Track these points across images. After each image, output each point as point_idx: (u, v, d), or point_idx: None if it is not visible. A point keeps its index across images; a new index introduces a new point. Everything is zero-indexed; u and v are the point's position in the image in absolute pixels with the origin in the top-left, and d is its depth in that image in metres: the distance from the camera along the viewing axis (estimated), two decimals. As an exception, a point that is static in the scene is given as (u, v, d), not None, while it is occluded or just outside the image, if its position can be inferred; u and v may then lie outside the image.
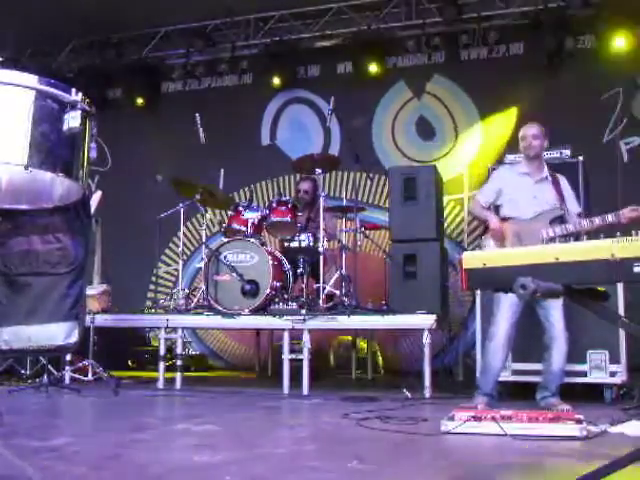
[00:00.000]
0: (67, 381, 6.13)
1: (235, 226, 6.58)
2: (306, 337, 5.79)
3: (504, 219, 4.85)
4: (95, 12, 8.49)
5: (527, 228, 4.73)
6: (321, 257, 6.18)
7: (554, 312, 4.63)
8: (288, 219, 6.44)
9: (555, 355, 4.64)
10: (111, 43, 9.69)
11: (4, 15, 7.90)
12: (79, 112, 2.10)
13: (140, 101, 9.98)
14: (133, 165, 9.57)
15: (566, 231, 4.64)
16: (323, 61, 9.47)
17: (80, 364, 6.10)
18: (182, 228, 6.95)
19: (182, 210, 6.84)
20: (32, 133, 2.04)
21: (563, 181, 4.91)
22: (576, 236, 4.59)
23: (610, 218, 4.48)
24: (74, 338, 2.37)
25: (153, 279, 8.75)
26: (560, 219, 4.74)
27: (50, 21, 8.54)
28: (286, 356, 5.79)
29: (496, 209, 4.97)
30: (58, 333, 2.36)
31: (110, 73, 9.93)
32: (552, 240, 4.64)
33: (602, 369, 5.02)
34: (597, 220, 4.56)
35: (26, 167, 2.04)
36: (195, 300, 6.58)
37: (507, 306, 4.64)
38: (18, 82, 2.09)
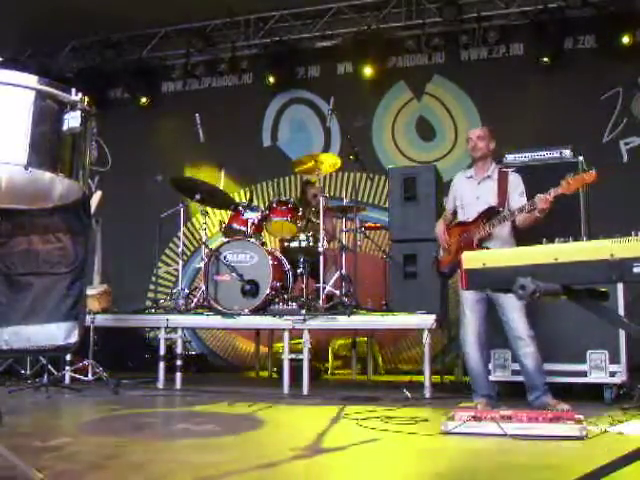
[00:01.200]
0: (67, 381, 6.13)
1: (235, 226, 6.59)
2: (306, 337, 5.79)
3: (458, 225, 4.92)
4: (95, 12, 8.49)
5: (469, 230, 4.79)
6: (321, 257, 6.18)
7: (511, 315, 4.61)
8: (288, 219, 6.45)
9: (522, 357, 4.61)
10: (111, 43, 9.70)
11: (4, 15, 7.91)
12: (79, 112, 2.11)
13: (141, 101, 9.99)
14: (133, 165, 9.56)
15: (492, 227, 4.68)
16: (323, 61, 9.47)
17: (80, 364, 6.10)
18: (182, 228, 6.96)
19: (182, 210, 6.84)
20: (32, 133, 2.04)
21: (512, 177, 4.89)
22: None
23: (527, 207, 4.51)
24: (74, 338, 2.38)
25: (153, 279, 8.75)
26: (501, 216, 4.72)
27: (50, 21, 8.55)
28: (286, 356, 5.79)
29: None
30: (58, 333, 2.36)
31: (110, 73, 9.94)
32: (484, 239, 4.68)
33: (602, 369, 5.02)
34: (516, 210, 4.60)
35: (26, 167, 2.04)
36: (195, 300, 6.58)
37: (470, 306, 4.71)
38: (18, 82, 2.09)
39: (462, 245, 4.75)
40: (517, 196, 4.78)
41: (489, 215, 4.74)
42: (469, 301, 4.70)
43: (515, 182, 4.85)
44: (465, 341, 4.76)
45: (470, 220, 4.83)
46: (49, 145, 2.08)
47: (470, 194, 4.91)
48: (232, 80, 9.80)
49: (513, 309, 4.58)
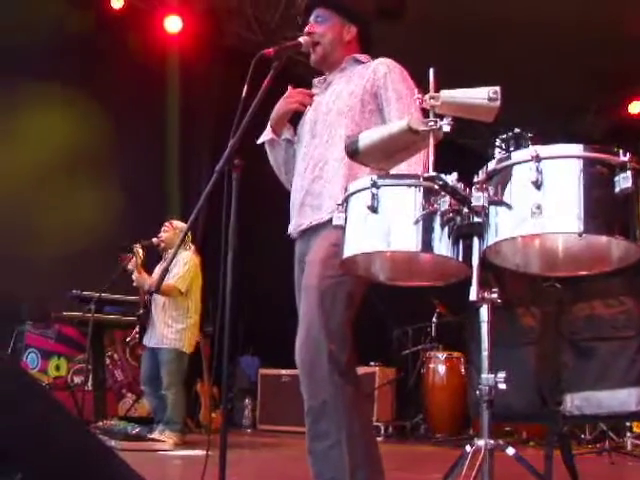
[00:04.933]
0: (629, 447, 5.91)
1: None
2: None
3: None
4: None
5: None
6: None
7: None
8: None
9: None
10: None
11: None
12: (629, 172, 2.07)
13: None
14: None
15: None
16: None
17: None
18: None
19: None
20: (584, 200, 2.08)
21: None
22: None
23: None
24: (648, 404, 2.27)
25: None
26: None
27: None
28: None
29: None
30: (629, 399, 2.29)
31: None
32: None
33: None
34: None
35: (580, 234, 2.08)
36: None
37: None
38: (564, 153, 2.18)
39: None
40: None
41: None
42: None
43: None
44: None
45: None
46: (602, 209, 2.09)
47: None
48: None
49: None
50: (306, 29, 2.99)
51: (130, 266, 6.38)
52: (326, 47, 2.98)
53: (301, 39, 2.95)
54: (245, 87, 2.69)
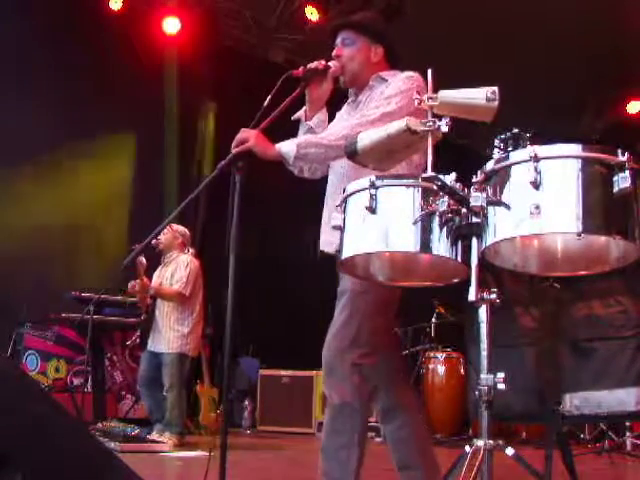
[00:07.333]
0: (629, 447, 5.90)
1: None
2: None
3: None
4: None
5: None
6: None
7: None
8: None
9: None
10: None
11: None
12: (628, 172, 2.07)
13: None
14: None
15: None
16: None
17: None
18: None
19: None
20: (583, 200, 2.08)
21: None
22: None
23: None
24: (647, 404, 2.27)
25: None
26: None
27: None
28: None
29: None
30: (628, 399, 2.29)
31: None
32: None
33: None
34: None
35: (579, 234, 2.08)
36: None
37: None
38: (563, 153, 2.17)
39: None
40: None
41: None
42: None
43: None
44: None
45: None
46: (601, 209, 2.09)
47: None
48: None
49: None
50: (334, 52, 2.95)
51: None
52: (355, 70, 2.93)
53: (331, 63, 2.91)
54: (267, 100, 2.77)
